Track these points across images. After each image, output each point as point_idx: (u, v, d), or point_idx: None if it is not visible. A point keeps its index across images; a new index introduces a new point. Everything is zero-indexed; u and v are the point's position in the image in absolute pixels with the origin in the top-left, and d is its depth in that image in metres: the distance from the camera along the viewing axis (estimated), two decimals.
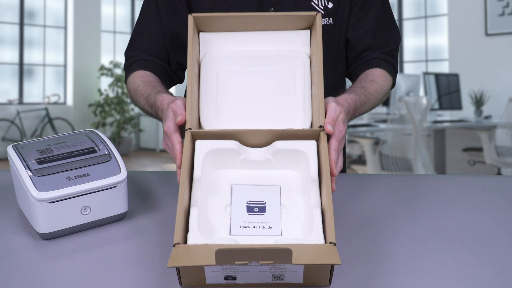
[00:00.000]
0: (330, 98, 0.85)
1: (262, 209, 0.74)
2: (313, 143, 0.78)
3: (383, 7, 1.20)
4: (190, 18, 0.86)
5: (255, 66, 0.87)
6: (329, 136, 0.79)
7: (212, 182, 0.77)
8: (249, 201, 0.75)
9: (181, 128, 0.82)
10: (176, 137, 0.81)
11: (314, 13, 0.87)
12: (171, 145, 0.82)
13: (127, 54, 1.21)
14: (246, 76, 0.86)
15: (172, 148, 0.82)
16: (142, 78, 1.11)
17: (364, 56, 1.18)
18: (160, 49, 1.19)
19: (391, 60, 1.18)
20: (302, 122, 0.83)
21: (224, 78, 0.86)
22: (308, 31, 0.90)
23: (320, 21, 0.86)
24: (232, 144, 0.78)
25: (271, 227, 0.71)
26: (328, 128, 0.78)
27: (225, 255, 0.58)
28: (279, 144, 0.78)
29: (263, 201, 0.75)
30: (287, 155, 0.78)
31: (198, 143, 0.79)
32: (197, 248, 0.62)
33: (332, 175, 0.77)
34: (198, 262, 0.60)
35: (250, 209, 0.74)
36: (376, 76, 1.12)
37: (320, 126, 0.79)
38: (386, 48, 1.18)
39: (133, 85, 1.11)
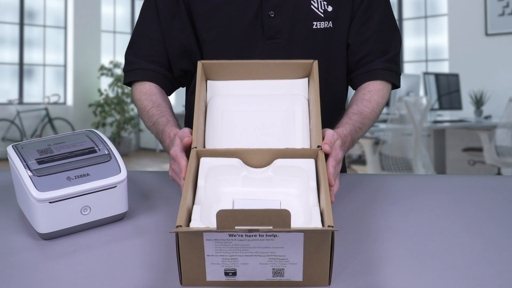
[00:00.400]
0: (327, 128, 0.92)
1: None
2: (311, 161, 0.83)
3: (386, 8, 1.20)
4: (200, 64, 0.96)
5: (258, 106, 0.95)
6: (327, 157, 0.84)
7: (215, 196, 0.80)
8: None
9: (187, 156, 0.87)
10: (182, 156, 0.85)
11: (311, 61, 0.97)
12: (177, 165, 0.86)
13: (128, 57, 1.22)
14: (249, 113, 0.94)
15: (178, 166, 0.85)
16: (149, 97, 1.14)
17: (365, 63, 1.18)
18: (160, 55, 1.19)
19: (393, 67, 1.18)
20: (301, 146, 0.89)
21: (229, 115, 0.93)
22: (306, 79, 0.99)
23: (317, 69, 0.95)
24: (234, 161, 0.83)
25: None
26: (326, 147, 0.83)
27: (226, 217, 0.60)
28: (279, 162, 0.83)
29: None
30: (286, 172, 0.83)
31: (203, 160, 0.83)
32: (199, 229, 0.64)
33: (330, 185, 0.81)
34: (199, 229, 0.62)
35: None
36: (372, 93, 1.13)
37: (318, 146, 0.84)
38: (387, 55, 1.18)
39: (140, 103, 1.14)
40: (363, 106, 1.10)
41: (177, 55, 1.19)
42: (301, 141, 0.90)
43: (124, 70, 1.22)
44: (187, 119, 1.30)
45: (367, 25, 1.17)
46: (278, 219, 0.60)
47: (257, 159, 0.85)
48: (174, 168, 0.89)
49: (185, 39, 1.18)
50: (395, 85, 1.21)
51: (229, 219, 0.61)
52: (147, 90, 1.16)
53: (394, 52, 1.19)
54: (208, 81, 0.99)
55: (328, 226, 0.64)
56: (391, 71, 1.17)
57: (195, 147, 0.85)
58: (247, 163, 0.85)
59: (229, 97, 0.96)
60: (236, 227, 0.61)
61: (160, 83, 1.19)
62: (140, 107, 1.15)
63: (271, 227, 0.60)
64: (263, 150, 0.84)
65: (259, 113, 0.93)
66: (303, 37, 1.15)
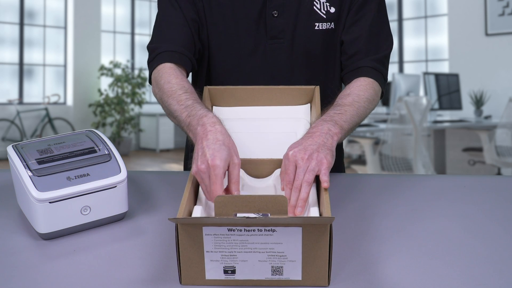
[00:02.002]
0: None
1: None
2: None
3: (379, 14, 1.19)
4: (206, 89, 0.99)
5: (262, 129, 0.98)
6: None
7: None
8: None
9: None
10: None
11: (313, 87, 1.00)
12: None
13: (150, 47, 1.15)
14: (254, 135, 0.96)
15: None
16: (180, 82, 1.01)
17: (354, 61, 1.16)
18: (184, 37, 1.13)
19: (381, 68, 1.15)
20: None
21: (234, 136, 0.94)
22: (309, 105, 1.02)
23: (318, 94, 0.97)
24: None
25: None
26: (325, 185, 0.78)
27: (224, 203, 0.63)
28: (280, 172, 0.85)
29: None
30: None
31: None
32: (198, 219, 0.65)
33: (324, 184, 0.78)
34: (198, 220, 0.63)
35: None
36: (352, 88, 1.08)
37: None
38: (376, 55, 1.16)
39: (168, 86, 1.01)
40: (340, 100, 1.04)
41: (196, 35, 1.15)
42: None
43: (148, 61, 1.14)
44: None
45: (357, 25, 1.17)
46: (275, 205, 0.63)
47: (259, 169, 0.87)
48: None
49: (201, 27, 1.17)
50: (381, 90, 1.16)
51: (227, 206, 0.62)
52: (177, 73, 1.05)
53: (383, 54, 1.17)
54: (214, 107, 1.02)
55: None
56: (377, 71, 1.15)
57: None
58: (249, 173, 0.87)
59: (234, 121, 0.98)
60: (234, 215, 0.62)
61: (185, 65, 1.11)
62: (167, 91, 1.00)
63: (268, 215, 0.61)
64: (265, 160, 0.86)
65: (263, 134, 0.96)
66: (305, 38, 1.16)
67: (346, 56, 1.18)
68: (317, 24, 1.15)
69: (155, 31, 1.18)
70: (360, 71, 1.14)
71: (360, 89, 1.08)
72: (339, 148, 1.32)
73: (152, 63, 1.12)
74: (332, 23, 1.16)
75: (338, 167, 1.29)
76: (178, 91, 0.98)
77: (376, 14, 1.18)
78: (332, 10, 1.16)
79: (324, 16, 1.16)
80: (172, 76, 1.04)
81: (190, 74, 1.22)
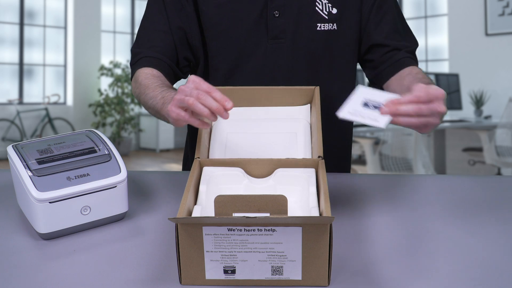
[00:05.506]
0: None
1: None
2: (312, 170, 0.85)
3: (397, 11, 1.22)
4: None
5: (262, 129, 0.98)
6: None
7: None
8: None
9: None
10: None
11: (313, 87, 1.00)
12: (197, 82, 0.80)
13: (133, 50, 1.20)
14: (253, 135, 0.96)
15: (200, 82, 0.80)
16: (157, 77, 1.09)
17: (389, 57, 1.18)
18: (166, 46, 1.17)
19: (415, 58, 1.19)
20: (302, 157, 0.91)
21: (234, 136, 0.96)
22: (309, 105, 1.02)
23: (318, 94, 0.98)
24: (236, 171, 0.85)
25: None
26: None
27: (224, 203, 0.63)
28: (280, 171, 0.85)
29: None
30: (287, 181, 0.85)
31: (205, 168, 0.85)
32: (198, 218, 0.65)
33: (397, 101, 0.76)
34: (198, 220, 0.63)
35: None
36: (413, 74, 1.11)
37: (319, 156, 0.86)
38: (409, 48, 1.19)
39: (146, 81, 1.08)
40: (418, 76, 1.08)
41: (183, 45, 1.18)
42: (302, 154, 0.91)
43: (131, 63, 1.20)
44: None
45: (384, 23, 1.19)
46: (275, 205, 0.63)
47: (259, 169, 0.87)
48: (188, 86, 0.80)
49: (191, 32, 1.18)
50: None
51: (227, 205, 0.63)
52: (154, 73, 1.12)
53: (414, 47, 1.21)
54: None
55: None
56: (414, 60, 1.18)
57: (198, 157, 0.86)
58: (249, 173, 0.87)
59: (234, 121, 0.98)
60: (234, 214, 0.62)
61: (164, 71, 1.15)
62: (144, 84, 1.08)
63: (268, 214, 0.61)
64: (265, 160, 0.86)
65: (262, 135, 0.96)
66: (306, 38, 1.16)
67: (379, 54, 1.19)
68: (319, 24, 1.15)
69: (140, 35, 1.21)
70: (402, 63, 1.16)
71: (423, 74, 1.10)
72: (348, 148, 1.32)
73: (134, 67, 1.17)
74: (335, 24, 1.16)
75: (344, 167, 1.29)
76: (154, 83, 1.05)
77: (396, 11, 1.21)
78: (334, 11, 1.16)
79: (326, 17, 1.16)
80: (149, 74, 1.11)
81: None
